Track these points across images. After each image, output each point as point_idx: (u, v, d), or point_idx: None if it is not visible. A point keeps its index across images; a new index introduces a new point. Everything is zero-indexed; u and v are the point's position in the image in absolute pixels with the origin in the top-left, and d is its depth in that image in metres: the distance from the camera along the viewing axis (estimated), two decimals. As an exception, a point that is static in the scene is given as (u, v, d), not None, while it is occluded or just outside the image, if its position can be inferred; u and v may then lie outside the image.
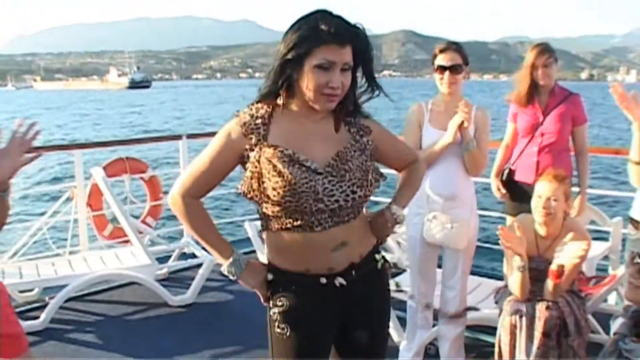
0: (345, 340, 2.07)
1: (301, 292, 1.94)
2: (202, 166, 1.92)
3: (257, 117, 1.88)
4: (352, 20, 1.83)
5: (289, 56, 1.79)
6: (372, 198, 2.08)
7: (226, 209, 12.36)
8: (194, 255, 5.47)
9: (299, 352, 1.96)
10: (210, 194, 2.03)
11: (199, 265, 5.05)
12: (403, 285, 3.90)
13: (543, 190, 3.15)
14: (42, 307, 4.47)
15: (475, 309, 3.77)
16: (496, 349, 3.22)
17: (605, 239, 4.54)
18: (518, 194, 4.01)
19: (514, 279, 3.11)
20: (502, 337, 3.14)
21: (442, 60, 3.24)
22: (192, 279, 4.97)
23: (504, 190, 4.18)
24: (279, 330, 1.96)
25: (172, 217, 5.03)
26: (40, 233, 5.49)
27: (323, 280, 1.93)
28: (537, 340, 2.99)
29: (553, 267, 3.03)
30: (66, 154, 9.30)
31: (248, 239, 4.54)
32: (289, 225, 1.89)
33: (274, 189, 1.81)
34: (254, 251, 4.46)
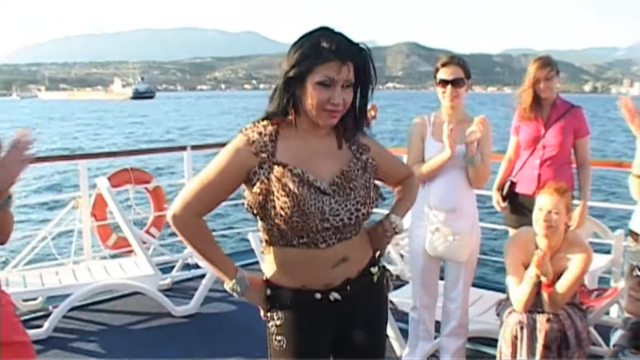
0: (342, 352, 2.10)
1: (296, 307, 1.97)
2: (207, 183, 1.89)
3: (264, 135, 1.89)
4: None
5: (291, 74, 1.82)
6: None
7: (222, 217, 12.33)
8: (197, 266, 5.50)
9: None
10: None
11: (202, 276, 5.07)
12: (405, 297, 3.90)
13: (544, 203, 3.17)
14: (46, 316, 4.48)
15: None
16: (497, 361, 3.23)
17: (607, 252, 4.55)
18: (519, 206, 4.03)
19: (521, 293, 3.12)
20: (503, 349, 3.15)
21: (444, 74, 3.27)
22: (195, 289, 4.99)
23: (503, 204, 4.20)
24: (276, 342, 2.00)
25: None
26: (45, 242, 5.50)
27: (318, 295, 1.96)
28: (539, 352, 3.00)
29: (543, 279, 3.05)
30: (70, 163, 9.33)
31: (249, 250, 4.54)
32: (294, 242, 1.91)
33: (281, 208, 1.82)
34: (256, 262, 4.47)
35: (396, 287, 4.34)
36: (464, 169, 3.29)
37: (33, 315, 4.73)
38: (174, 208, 1.91)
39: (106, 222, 5.93)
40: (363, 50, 1.87)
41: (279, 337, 1.99)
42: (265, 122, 1.92)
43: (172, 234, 7.73)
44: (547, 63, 3.94)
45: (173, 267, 5.69)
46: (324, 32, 1.84)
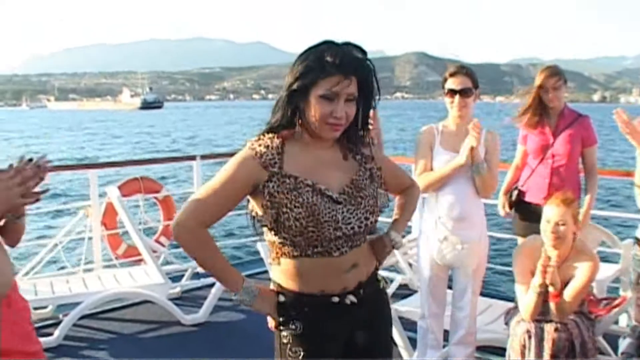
0: (352, 355, 2.08)
1: (313, 315, 1.96)
2: (214, 195, 1.88)
3: (272, 148, 1.89)
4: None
5: (295, 86, 1.85)
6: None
7: (223, 226, 12.31)
8: (206, 275, 5.51)
9: None
10: None
11: (212, 285, 5.08)
12: (413, 306, 3.91)
13: (551, 215, 3.17)
14: (56, 324, 4.51)
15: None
16: (506, 370, 3.24)
17: (616, 261, 4.55)
18: (528, 215, 4.02)
19: (527, 302, 3.13)
20: (512, 358, 3.16)
21: (452, 84, 3.30)
22: (205, 298, 5.01)
23: (508, 210, 4.21)
24: (290, 353, 1.97)
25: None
26: (55, 251, 5.54)
27: (335, 299, 1.97)
28: (547, 361, 3.01)
29: (550, 289, 3.05)
30: (78, 173, 9.38)
31: (255, 260, 4.54)
32: (308, 252, 1.91)
33: (296, 219, 1.83)
34: (265, 271, 4.49)
35: (405, 296, 4.36)
36: (472, 179, 3.31)
37: (43, 323, 4.74)
38: (178, 218, 1.89)
39: (116, 231, 5.97)
40: (366, 64, 1.89)
41: (294, 349, 1.96)
42: (270, 135, 1.92)
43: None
44: (554, 72, 3.96)
45: (182, 275, 5.71)
46: (328, 45, 1.86)
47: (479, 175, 3.26)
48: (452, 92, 3.30)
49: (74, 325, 4.52)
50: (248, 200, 1.96)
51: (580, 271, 3.10)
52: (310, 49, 1.88)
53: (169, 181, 16.85)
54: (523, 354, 3.09)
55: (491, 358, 3.95)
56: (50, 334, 4.39)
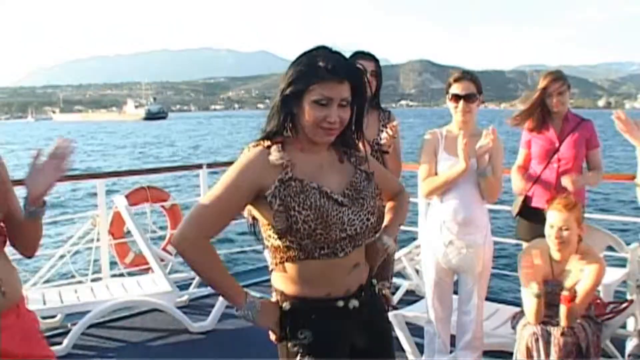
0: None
1: (321, 322, 1.95)
2: (219, 203, 1.86)
3: (276, 152, 1.89)
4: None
5: (288, 92, 1.86)
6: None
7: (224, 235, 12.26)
8: (213, 283, 5.52)
9: None
10: None
11: (219, 293, 5.09)
12: (420, 312, 3.92)
13: (555, 220, 3.19)
14: (65, 333, 4.53)
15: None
16: (513, 374, 3.24)
17: (623, 266, 4.54)
18: (533, 219, 4.01)
19: (529, 305, 3.14)
20: (519, 362, 3.17)
21: (456, 89, 3.33)
22: (212, 306, 5.02)
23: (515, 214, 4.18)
24: None
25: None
26: (63, 260, 5.57)
27: (340, 303, 1.97)
28: (554, 365, 3.01)
29: (565, 292, 3.06)
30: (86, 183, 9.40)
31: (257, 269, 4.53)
32: (315, 254, 1.90)
33: (304, 221, 1.83)
34: (267, 280, 4.50)
35: (411, 302, 4.37)
36: (476, 183, 3.33)
37: (52, 332, 4.76)
38: (179, 230, 1.86)
39: (124, 239, 6.00)
40: (359, 69, 1.92)
41: (305, 359, 1.95)
42: (268, 142, 1.91)
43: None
44: (558, 77, 3.97)
45: (190, 284, 5.73)
46: (321, 51, 1.87)
47: (484, 180, 3.28)
48: (457, 97, 3.33)
49: (83, 334, 4.53)
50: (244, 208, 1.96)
51: (586, 274, 3.11)
52: (303, 54, 1.89)
53: (175, 190, 16.90)
54: (530, 357, 3.10)
55: (499, 362, 3.95)
56: (59, 343, 4.40)
